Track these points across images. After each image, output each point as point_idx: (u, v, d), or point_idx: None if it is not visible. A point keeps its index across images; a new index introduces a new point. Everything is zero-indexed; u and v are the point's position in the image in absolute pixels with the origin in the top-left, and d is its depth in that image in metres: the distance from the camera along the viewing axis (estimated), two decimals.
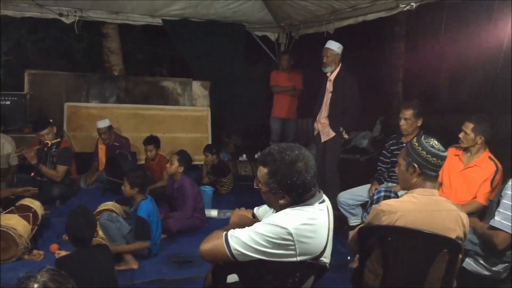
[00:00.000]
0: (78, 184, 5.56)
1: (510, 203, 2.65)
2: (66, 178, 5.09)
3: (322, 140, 4.96)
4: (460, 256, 2.19)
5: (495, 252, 2.76)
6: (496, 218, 2.66)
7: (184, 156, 4.49)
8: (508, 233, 2.60)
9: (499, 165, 3.40)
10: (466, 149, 3.53)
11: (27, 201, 4.10)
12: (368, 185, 4.18)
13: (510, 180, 2.73)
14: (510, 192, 2.68)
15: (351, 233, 2.45)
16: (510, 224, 2.59)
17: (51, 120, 5.15)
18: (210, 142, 6.82)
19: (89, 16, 6.42)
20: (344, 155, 6.26)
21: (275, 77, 6.79)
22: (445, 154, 2.22)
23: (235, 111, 7.72)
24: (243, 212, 2.40)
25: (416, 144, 2.23)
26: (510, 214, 2.62)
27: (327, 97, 4.87)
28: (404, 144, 3.89)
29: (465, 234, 2.23)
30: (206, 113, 7.13)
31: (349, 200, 4.22)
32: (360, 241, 2.34)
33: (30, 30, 7.77)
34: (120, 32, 7.49)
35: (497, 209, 2.70)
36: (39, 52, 8.14)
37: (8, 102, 5.97)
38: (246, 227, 1.90)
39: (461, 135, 3.49)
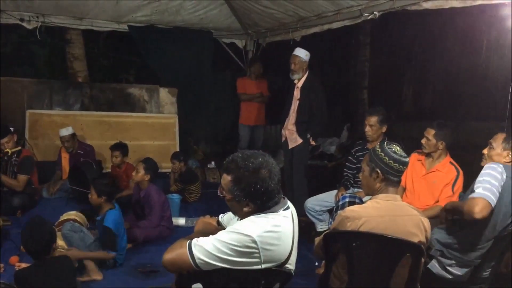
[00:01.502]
0: (40, 193, 5.39)
1: (488, 177, 2.64)
2: (27, 187, 4.93)
3: (290, 147, 4.99)
4: (423, 260, 2.23)
5: (466, 241, 2.77)
6: (476, 190, 2.64)
7: (150, 164, 4.42)
8: (488, 202, 2.55)
9: (460, 170, 3.49)
10: (428, 154, 3.61)
11: None
12: (335, 191, 4.23)
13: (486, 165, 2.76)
14: (487, 171, 2.69)
15: (317, 239, 2.47)
16: (490, 194, 2.58)
17: (11, 128, 4.99)
18: (177, 150, 6.76)
19: (51, 21, 6.26)
20: (311, 161, 6.31)
21: (241, 85, 6.79)
22: (406, 160, 2.27)
23: (203, 117, 7.68)
24: (207, 219, 2.38)
25: (379, 150, 2.27)
26: (488, 186, 2.59)
27: (295, 104, 4.91)
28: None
29: (427, 238, 2.27)
30: (174, 120, 7.07)
31: (316, 206, 4.25)
32: (326, 247, 2.35)
33: None
34: (85, 38, 7.33)
35: (475, 185, 2.69)
36: (0, 58, 7.88)
37: None
38: (210, 236, 1.88)
39: (423, 140, 3.57)
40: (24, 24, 6.07)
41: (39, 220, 2.78)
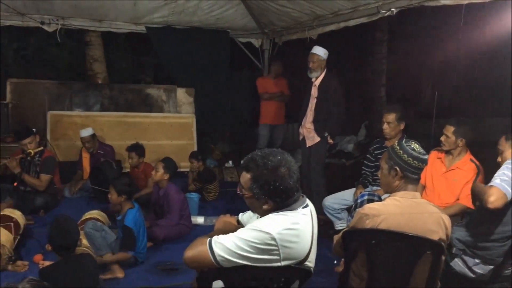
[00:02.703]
0: (62, 193, 5.49)
1: (508, 171, 2.63)
2: (49, 187, 5.03)
3: (308, 145, 4.99)
4: (443, 257, 2.22)
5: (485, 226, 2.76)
6: (495, 180, 2.65)
7: (169, 163, 4.47)
8: (503, 193, 2.57)
9: (481, 167, 3.45)
10: (448, 152, 3.58)
11: (7, 211, 4.05)
12: (353, 189, 4.22)
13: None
14: (506, 165, 2.68)
15: (336, 237, 2.47)
16: (506, 186, 2.58)
17: (34, 129, 5.09)
18: (195, 149, 6.81)
19: (71, 24, 6.38)
20: (329, 160, 6.31)
21: (262, 84, 6.82)
22: (426, 157, 2.25)
23: (220, 117, 7.72)
24: (227, 218, 2.40)
25: (398, 147, 2.26)
26: (506, 178, 2.60)
27: (312, 102, 4.90)
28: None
29: (447, 235, 2.26)
30: (191, 120, 7.12)
31: (335, 204, 4.25)
32: (345, 245, 2.35)
33: (11, 39, 7.68)
34: (104, 40, 7.45)
35: (494, 178, 2.69)
36: (21, 60, 8.06)
37: None
38: (230, 233, 1.90)
39: (442, 138, 3.54)
40: (45, 27, 6.18)
41: (66, 217, 2.84)
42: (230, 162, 7.43)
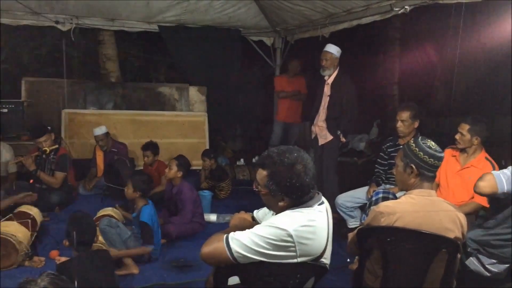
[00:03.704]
0: (76, 190, 5.56)
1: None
2: (64, 184, 5.09)
3: (320, 143, 4.98)
4: (459, 255, 2.21)
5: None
6: (496, 172, 2.65)
7: (182, 161, 4.50)
8: (495, 181, 2.58)
9: (496, 166, 3.42)
10: (462, 150, 3.56)
11: (25, 208, 4.11)
12: (366, 187, 4.21)
13: None
14: None
15: (350, 235, 2.47)
16: (503, 180, 2.57)
17: (49, 127, 5.15)
18: (207, 147, 6.84)
19: (85, 23, 6.43)
20: (341, 158, 6.28)
21: (279, 83, 6.84)
22: (442, 154, 2.24)
23: (232, 115, 7.74)
24: (242, 215, 2.42)
25: (413, 145, 2.26)
26: (508, 172, 2.59)
27: (325, 100, 4.89)
28: (401, 146, 3.93)
29: (463, 234, 2.25)
30: (203, 118, 7.16)
31: (347, 202, 4.24)
32: (359, 242, 2.35)
33: (26, 38, 7.77)
34: (116, 39, 7.51)
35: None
36: (36, 59, 8.15)
37: (5, 110, 5.97)
38: (247, 230, 1.91)
39: (457, 136, 3.52)
40: (59, 26, 6.25)
41: (83, 214, 2.89)
42: (242, 160, 7.45)
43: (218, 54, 7.20)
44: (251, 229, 1.90)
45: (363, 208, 4.13)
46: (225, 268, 2.00)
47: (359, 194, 4.21)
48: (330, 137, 4.88)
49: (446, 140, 3.72)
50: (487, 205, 3.13)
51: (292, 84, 6.75)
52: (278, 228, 1.84)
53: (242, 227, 2.04)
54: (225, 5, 6.49)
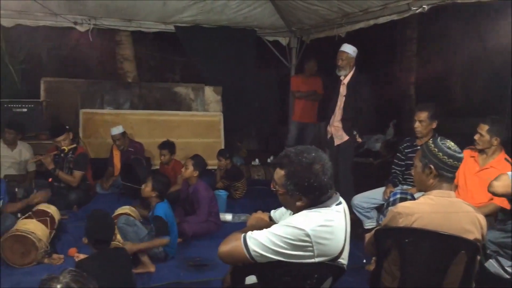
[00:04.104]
0: (94, 189, 5.62)
1: None
2: (82, 183, 5.15)
3: (335, 144, 4.96)
4: (478, 257, 2.19)
5: None
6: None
7: (198, 161, 4.53)
8: (510, 181, 2.56)
9: None
10: (481, 151, 3.52)
11: (43, 206, 4.16)
12: (383, 188, 4.18)
13: None
14: None
15: (367, 236, 2.46)
16: None
17: (67, 127, 5.22)
18: (223, 147, 6.86)
19: (102, 24, 6.52)
20: (356, 159, 6.25)
21: (295, 82, 6.83)
22: (461, 155, 2.22)
23: (247, 115, 7.75)
24: (260, 215, 2.42)
25: (432, 145, 2.24)
26: None
27: (341, 100, 4.87)
28: (419, 147, 3.89)
29: (483, 235, 2.22)
30: (219, 118, 7.17)
31: (364, 203, 4.22)
32: (377, 243, 2.34)
33: (45, 39, 7.89)
34: (133, 39, 7.58)
35: None
36: (55, 60, 8.27)
37: (25, 110, 6.06)
38: (264, 229, 1.91)
39: (476, 136, 3.48)
40: (77, 27, 6.34)
41: (103, 212, 2.93)
42: (257, 160, 7.46)
43: (233, 54, 7.22)
44: (268, 229, 1.91)
45: (380, 209, 4.10)
46: (243, 267, 2.01)
47: (375, 195, 4.18)
48: (346, 138, 4.86)
49: (464, 141, 3.68)
50: (508, 207, 3.09)
51: (308, 84, 6.73)
52: (296, 227, 1.85)
53: (259, 227, 2.05)
54: (240, 5, 6.51)
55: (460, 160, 2.21)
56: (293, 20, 6.80)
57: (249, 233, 1.91)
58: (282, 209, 2.33)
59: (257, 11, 6.70)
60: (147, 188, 3.79)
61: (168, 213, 3.82)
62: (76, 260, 3.00)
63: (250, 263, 1.91)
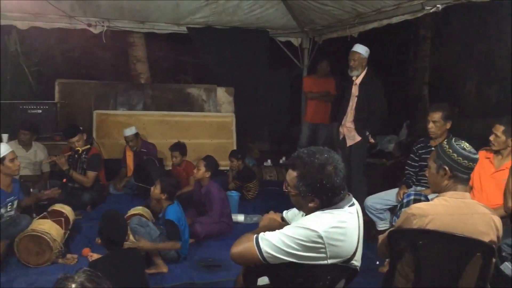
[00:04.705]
0: (107, 189, 5.67)
1: None
2: (96, 184, 5.20)
3: (348, 145, 4.93)
4: (494, 260, 2.16)
5: None
6: None
7: (210, 162, 4.54)
8: None
9: None
10: (497, 152, 3.47)
11: (58, 206, 4.20)
12: (396, 189, 4.14)
13: None
14: None
15: (381, 237, 2.43)
16: None
17: (81, 128, 5.27)
18: (235, 148, 6.87)
19: (116, 26, 6.58)
20: (369, 160, 6.20)
21: (308, 83, 6.81)
22: (476, 156, 2.19)
23: (259, 116, 7.75)
24: (272, 215, 2.41)
25: (447, 146, 2.21)
26: None
27: (353, 101, 4.84)
28: (433, 148, 3.85)
29: (498, 237, 2.19)
30: (231, 119, 7.18)
31: (377, 204, 4.19)
32: (390, 245, 2.31)
33: (59, 41, 7.98)
34: (146, 41, 7.63)
35: None
36: (69, 62, 8.36)
37: (39, 111, 6.13)
38: (277, 230, 1.91)
39: (491, 137, 3.43)
40: (91, 29, 6.40)
41: (116, 213, 2.95)
42: (269, 161, 7.45)
43: (245, 55, 7.22)
44: (281, 230, 1.90)
45: (393, 211, 4.07)
46: (255, 268, 2.01)
47: (388, 196, 4.14)
48: (358, 138, 4.83)
49: (479, 142, 3.63)
50: None
51: (321, 85, 6.71)
52: (308, 229, 1.84)
53: (271, 228, 2.04)
54: (253, 6, 6.52)
55: (475, 161, 2.18)
56: (306, 21, 6.78)
57: (261, 234, 1.91)
58: (295, 210, 2.32)
59: (270, 12, 6.70)
60: (156, 190, 3.81)
61: (180, 215, 3.83)
62: (90, 260, 3.03)
63: (262, 264, 1.90)
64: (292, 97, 8.48)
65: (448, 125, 3.88)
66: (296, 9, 6.53)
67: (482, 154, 3.51)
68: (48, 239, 3.58)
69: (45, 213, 4.03)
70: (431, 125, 3.88)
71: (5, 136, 5.48)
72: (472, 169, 2.19)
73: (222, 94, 7.36)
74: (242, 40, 7.10)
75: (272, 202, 5.42)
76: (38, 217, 3.95)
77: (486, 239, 2.11)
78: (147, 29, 6.83)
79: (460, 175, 2.18)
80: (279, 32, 7.29)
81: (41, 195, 4.32)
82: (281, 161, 7.52)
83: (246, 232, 2.09)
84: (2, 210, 3.78)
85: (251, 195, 5.81)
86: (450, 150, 2.18)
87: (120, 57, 8.45)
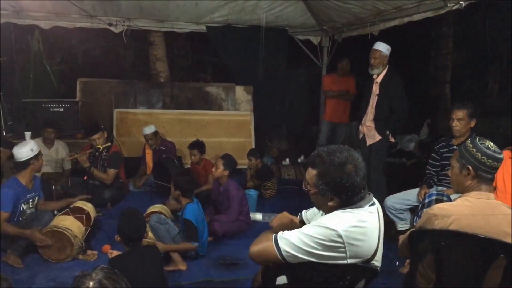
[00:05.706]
0: (127, 187, 5.73)
1: None
2: (116, 181, 5.26)
3: (368, 144, 4.88)
4: None
5: None
6: None
7: (229, 160, 4.54)
8: None
9: None
10: None
11: (80, 203, 4.27)
12: (417, 189, 4.08)
13: None
14: None
15: (401, 238, 2.40)
16: None
17: (102, 126, 5.34)
18: (253, 147, 6.87)
19: (136, 25, 6.65)
20: (389, 159, 6.13)
21: (328, 82, 6.78)
22: (501, 156, 2.14)
23: (278, 115, 7.73)
24: (288, 215, 2.38)
25: (471, 145, 2.16)
26: None
27: (373, 99, 4.78)
28: (455, 147, 3.78)
29: None
30: (249, 118, 7.18)
31: (397, 204, 4.13)
32: (412, 245, 2.28)
33: (81, 40, 8.10)
34: (166, 40, 7.69)
35: None
36: (90, 61, 8.48)
37: (61, 109, 6.23)
38: (296, 229, 1.90)
39: None
40: (112, 28, 6.49)
41: (134, 210, 2.97)
42: (287, 159, 7.44)
43: (264, 54, 7.20)
44: (300, 229, 1.89)
45: (414, 211, 4.01)
46: (274, 268, 2.00)
47: (409, 196, 4.08)
48: (378, 137, 4.77)
49: (502, 142, 3.55)
50: None
51: (340, 84, 6.66)
52: (327, 228, 1.82)
53: (283, 226, 2.03)
54: (272, 5, 6.51)
55: (499, 160, 2.13)
56: (325, 19, 6.73)
57: (280, 233, 1.90)
58: (314, 209, 2.30)
59: (289, 10, 6.68)
60: (172, 188, 3.84)
61: (198, 213, 3.84)
62: (110, 256, 3.06)
63: (281, 263, 1.89)
64: (311, 96, 8.45)
65: (473, 124, 3.81)
66: (316, 7, 6.49)
67: (506, 154, 3.42)
68: (70, 235, 3.63)
69: (67, 209, 4.09)
70: (455, 123, 3.81)
71: (28, 134, 5.58)
72: (496, 169, 2.14)
73: (241, 93, 7.37)
74: (260, 39, 7.08)
75: (290, 201, 5.40)
76: (60, 213, 4.01)
77: (510, 240, 2.06)
78: (166, 28, 6.88)
79: (484, 175, 2.13)
80: (298, 30, 7.26)
81: (70, 201, 4.37)
82: (299, 160, 7.50)
83: (264, 230, 2.08)
84: (24, 206, 3.86)
85: (269, 193, 5.80)
86: (474, 150, 2.14)
87: (140, 56, 8.54)
